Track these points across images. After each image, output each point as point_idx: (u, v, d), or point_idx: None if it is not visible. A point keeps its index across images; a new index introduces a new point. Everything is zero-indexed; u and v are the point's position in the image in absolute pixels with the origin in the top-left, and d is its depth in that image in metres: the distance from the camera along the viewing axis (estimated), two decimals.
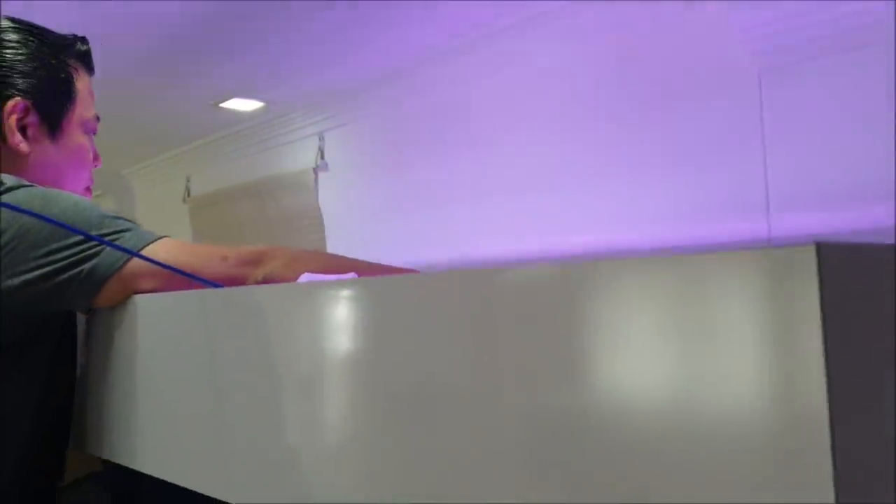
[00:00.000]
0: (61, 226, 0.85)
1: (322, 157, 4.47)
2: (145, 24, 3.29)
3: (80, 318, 1.03)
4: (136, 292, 0.89)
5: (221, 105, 4.39)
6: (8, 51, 1.01)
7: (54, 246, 0.86)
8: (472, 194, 3.77)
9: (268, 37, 3.57)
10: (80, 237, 0.86)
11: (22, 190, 0.90)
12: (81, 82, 1.10)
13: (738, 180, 2.55)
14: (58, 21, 1.16)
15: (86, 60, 1.12)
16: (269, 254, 0.91)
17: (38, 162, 1.04)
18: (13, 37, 1.03)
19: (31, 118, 1.03)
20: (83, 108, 1.10)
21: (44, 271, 0.85)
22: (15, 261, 0.84)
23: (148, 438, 0.86)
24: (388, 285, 0.57)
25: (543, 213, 3.23)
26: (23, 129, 1.03)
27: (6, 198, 0.87)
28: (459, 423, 0.51)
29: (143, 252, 0.88)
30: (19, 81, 1.01)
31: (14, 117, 1.02)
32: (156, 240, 0.90)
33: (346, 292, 0.60)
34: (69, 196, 0.92)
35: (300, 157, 4.66)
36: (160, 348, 0.86)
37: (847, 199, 2.21)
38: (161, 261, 0.87)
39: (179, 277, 0.86)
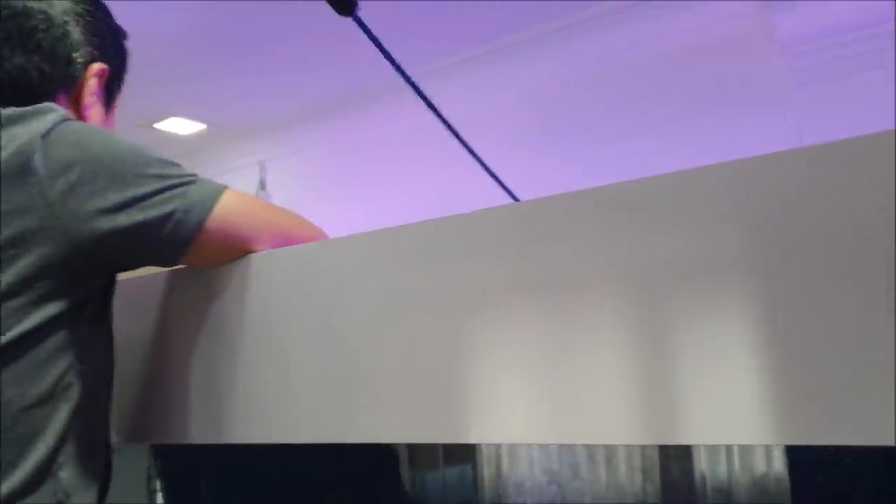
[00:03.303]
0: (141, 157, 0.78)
1: (263, 188, 4.19)
2: None
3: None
4: (227, 239, 0.81)
5: (156, 126, 4.06)
6: (92, 10, 0.96)
7: (139, 180, 0.77)
8: None
9: (216, 55, 3.34)
10: (165, 172, 0.78)
11: (76, 122, 0.80)
12: None
13: None
14: None
15: None
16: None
17: None
18: (96, 1, 0.98)
19: (99, 89, 0.96)
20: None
21: (131, 212, 0.76)
22: (93, 196, 0.75)
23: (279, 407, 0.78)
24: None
25: None
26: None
27: (63, 127, 0.77)
28: None
29: (219, 205, 0.79)
30: (102, 48, 0.96)
31: (94, 81, 0.94)
32: (225, 188, 0.83)
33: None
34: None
35: (238, 188, 4.36)
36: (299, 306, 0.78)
37: None
38: (237, 212, 0.81)
39: (267, 222, 0.84)
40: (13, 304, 0.74)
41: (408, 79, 0.65)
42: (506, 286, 0.60)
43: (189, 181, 0.80)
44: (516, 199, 0.71)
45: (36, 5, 0.92)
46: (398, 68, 0.63)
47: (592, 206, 0.57)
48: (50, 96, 0.89)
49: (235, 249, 0.83)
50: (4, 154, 0.75)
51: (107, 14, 1.00)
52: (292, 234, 0.86)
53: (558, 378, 0.55)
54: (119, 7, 1.09)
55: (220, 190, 0.81)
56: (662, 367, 0.50)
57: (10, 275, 0.73)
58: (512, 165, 3.29)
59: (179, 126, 4.13)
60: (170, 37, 3.23)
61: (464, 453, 0.86)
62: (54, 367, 0.75)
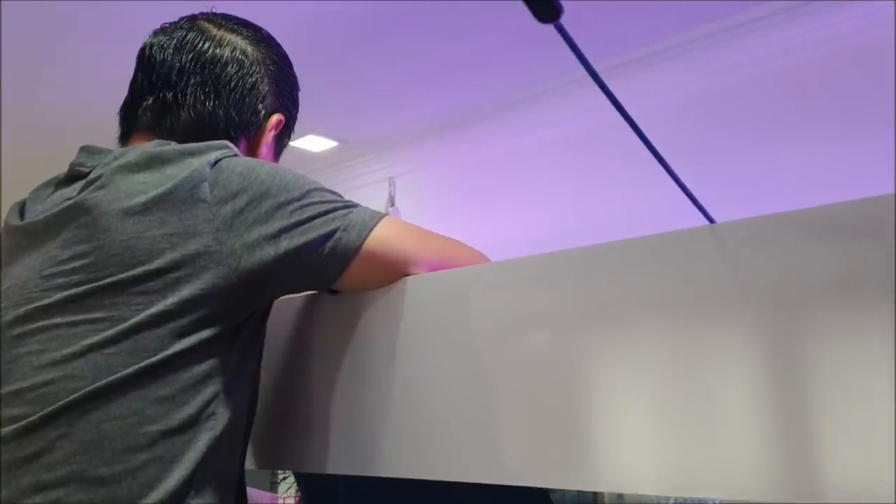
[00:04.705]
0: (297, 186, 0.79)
1: (393, 204, 4.28)
2: None
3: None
4: (385, 261, 0.82)
5: (292, 143, 4.20)
6: (278, 61, 1.00)
7: (302, 207, 0.79)
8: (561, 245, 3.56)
9: (348, 72, 3.44)
10: (328, 199, 0.81)
11: (244, 157, 0.84)
12: None
13: None
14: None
15: None
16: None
17: None
18: (281, 53, 1.01)
19: (274, 139, 1.00)
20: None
21: (294, 235, 0.78)
22: (258, 223, 0.77)
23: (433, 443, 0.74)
24: None
25: None
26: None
27: (233, 159, 0.81)
28: None
29: (380, 226, 0.82)
30: (282, 98, 0.99)
31: (272, 133, 0.98)
32: (385, 214, 0.85)
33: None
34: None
35: (369, 203, 4.46)
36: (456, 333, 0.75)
37: None
38: (396, 235, 0.82)
39: (425, 247, 0.84)
40: (170, 325, 0.74)
41: (607, 90, 0.63)
42: (643, 320, 0.58)
43: (351, 206, 0.82)
44: (712, 220, 0.69)
45: (231, 54, 0.94)
46: (597, 78, 0.61)
47: (747, 235, 0.53)
48: (232, 141, 0.91)
49: (393, 272, 0.82)
50: (176, 180, 0.77)
51: (289, 65, 1.02)
52: (450, 259, 0.85)
53: (690, 425, 0.52)
54: None
55: (380, 214, 0.83)
56: (805, 417, 0.46)
57: (172, 298, 0.74)
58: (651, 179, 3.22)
59: (314, 144, 4.28)
60: (304, 56, 3.35)
61: None
62: (201, 393, 0.75)
